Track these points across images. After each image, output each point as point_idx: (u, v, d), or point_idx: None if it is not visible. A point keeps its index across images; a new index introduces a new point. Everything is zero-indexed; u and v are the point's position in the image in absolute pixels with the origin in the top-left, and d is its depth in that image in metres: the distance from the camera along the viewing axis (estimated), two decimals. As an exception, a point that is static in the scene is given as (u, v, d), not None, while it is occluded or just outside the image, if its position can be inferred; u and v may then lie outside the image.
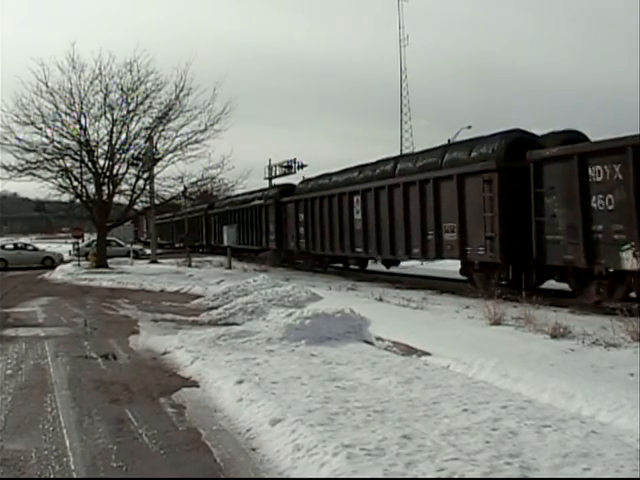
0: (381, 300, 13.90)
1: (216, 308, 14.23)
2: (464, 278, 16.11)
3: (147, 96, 28.86)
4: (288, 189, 27.85)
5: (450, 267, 18.29)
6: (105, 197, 29.84)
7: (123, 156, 29.86)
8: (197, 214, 42.41)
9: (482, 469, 4.39)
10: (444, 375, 7.41)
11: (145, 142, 29.89)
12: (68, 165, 29.58)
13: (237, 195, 36.15)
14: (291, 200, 26.11)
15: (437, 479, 4.32)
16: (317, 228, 23.15)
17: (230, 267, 27.11)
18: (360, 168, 20.99)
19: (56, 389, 7.52)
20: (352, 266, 23.07)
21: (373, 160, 21.04)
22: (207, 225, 40.67)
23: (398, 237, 17.49)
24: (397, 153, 38.95)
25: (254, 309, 13.21)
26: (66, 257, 36.68)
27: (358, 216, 19.93)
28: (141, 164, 30.03)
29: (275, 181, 42.28)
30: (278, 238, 27.33)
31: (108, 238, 33.73)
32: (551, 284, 13.57)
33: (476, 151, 14.78)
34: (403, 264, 21.22)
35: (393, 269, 20.84)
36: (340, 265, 23.94)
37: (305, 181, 26.80)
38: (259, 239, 29.75)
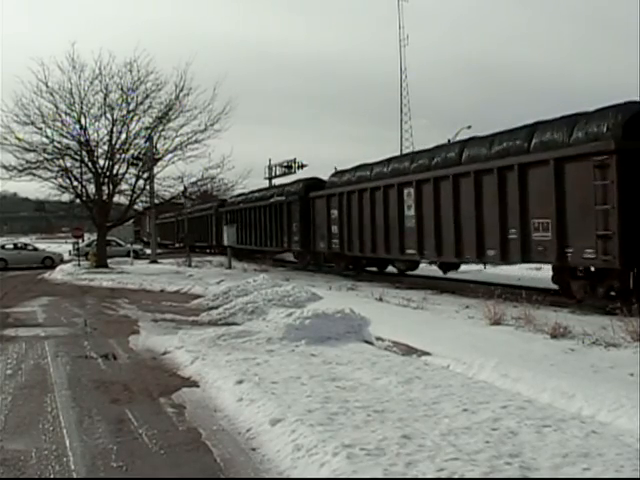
0: (381, 300, 13.89)
1: (216, 308, 14.23)
2: (464, 278, 15.94)
3: (147, 96, 28.88)
4: (315, 183, 24.91)
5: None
6: (105, 197, 29.84)
7: (123, 156, 29.87)
8: (205, 212, 40.07)
9: (482, 469, 4.39)
10: (444, 375, 7.41)
11: (145, 142, 29.89)
12: (68, 165, 29.62)
13: (252, 192, 33.76)
14: (321, 195, 23.06)
15: (437, 479, 4.32)
16: (354, 226, 20.09)
17: (230, 267, 27.09)
18: (412, 156, 18.27)
19: (56, 389, 7.52)
20: (387, 270, 21.04)
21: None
22: (218, 224, 37.39)
23: (467, 237, 14.59)
24: (397, 153, 38.89)
25: (254, 309, 13.21)
26: (66, 257, 36.68)
27: (410, 212, 16.93)
28: (141, 164, 30.03)
29: (275, 181, 42.16)
30: (304, 238, 24.39)
31: (108, 238, 33.73)
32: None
33: (580, 130, 11.93)
34: (464, 267, 18.21)
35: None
36: (374, 269, 21.52)
37: (338, 173, 23.45)
38: (279, 239, 27.01)
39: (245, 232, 31.21)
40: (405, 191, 17.16)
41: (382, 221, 18.43)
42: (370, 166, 20.33)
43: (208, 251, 41.11)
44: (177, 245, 49.82)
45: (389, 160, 19.43)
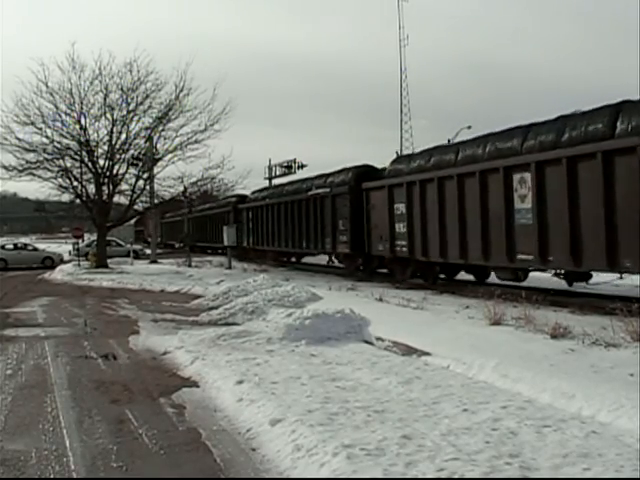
0: (381, 300, 13.89)
1: (216, 308, 14.24)
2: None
3: (147, 96, 28.86)
4: (368, 171, 20.63)
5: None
6: (105, 197, 29.82)
7: (123, 156, 29.85)
8: (221, 210, 36.19)
9: (482, 469, 4.39)
10: (444, 375, 7.41)
11: (145, 142, 29.87)
12: (68, 165, 29.60)
13: (281, 185, 30.00)
14: (379, 186, 18.62)
15: (437, 479, 4.32)
16: (432, 224, 15.91)
17: (230, 267, 27.10)
18: (524, 131, 13.34)
19: (56, 389, 7.52)
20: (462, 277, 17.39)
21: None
22: (236, 223, 32.95)
23: (625, 236, 10.63)
24: (397, 153, 38.84)
25: (254, 309, 13.22)
26: (66, 257, 36.68)
27: (524, 204, 12.78)
28: (141, 164, 30.01)
29: (275, 181, 41.94)
30: (354, 239, 20.05)
31: (108, 238, 33.72)
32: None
33: None
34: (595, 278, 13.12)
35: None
36: (442, 275, 17.65)
37: (402, 158, 19.46)
38: (319, 240, 22.56)
39: (272, 232, 27.37)
40: (516, 177, 12.96)
41: (476, 217, 14.04)
42: (453, 148, 16.18)
43: (220, 252, 37.69)
44: (177, 245, 48.98)
45: (484, 138, 14.75)
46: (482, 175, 13.97)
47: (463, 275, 17.17)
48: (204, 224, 39.48)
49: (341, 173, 21.94)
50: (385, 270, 19.58)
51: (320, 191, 22.52)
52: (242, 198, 34.07)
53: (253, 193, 33.51)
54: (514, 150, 13.35)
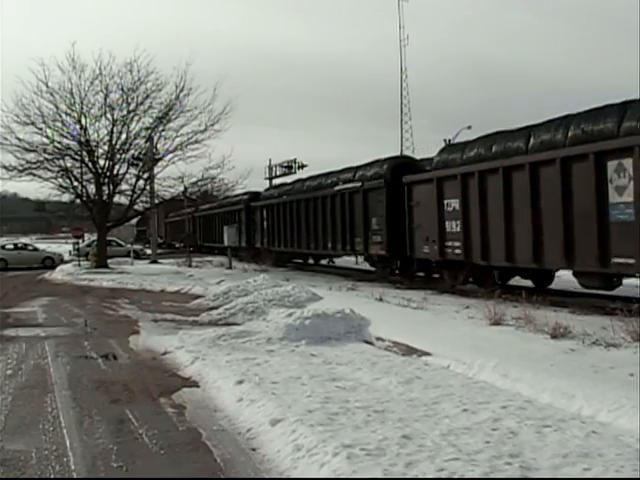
0: (381, 300, 13.89)
1: (216, 308, 14.24)
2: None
3: (147, 96, 28.89)
4: (406, 163, 18.81)
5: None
6: (105, 197, 29.85)
7: (123, 156, 29.88)
8: (232, 208, 33.89)
9: (482, 469, 4.39)
10: (444, 375, 7.41)
11: (145, 142, 29.89)
12: (68, 165, 29.64)
13: (300, 180, 27.25)
14: (425, 179, 16.25)
15: (437, 479, 4.32)
16: (493, 222, 13.55)
17: (230, 267, 27.10)
18: (622, 107, 11.23)
19: (56, 389, 7.52)
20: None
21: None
22: (248, 222, 31.10)
23: None
24: (397, 153, 38.82)
25: (254, 309, 13.23)
26: (66, 257, 36.68)
27: (623, 197, 10.64)
28: (141, 164, 30.04)
29: (276, 181, 41.78)
30: (391, 239, 17.67)
31: (108, 238, 33.73)
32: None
33: None
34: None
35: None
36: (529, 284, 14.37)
37: (451, 148, 16.64)
38: (348, 240, 20.23)
39: (290, 231, 25.15)
40: (611, 165, 10.85)
41: (555, 214, 11.95)
42: (522, 132, 13.42)
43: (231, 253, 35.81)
44: (177, 245, 48.36)
45: (564, 120, 12.38)
46: (564, 163, 11.75)
47: (518, 281, 14.64)
48: (212, 223, 37.81)
49: (373, 166, 19.50)
50: (421, 274, 17.61)
51: (349, 186, 20.10)
52: (255, 195, 31.76)
53: (267, 190, 31.52)
54: (608, 133, 11.16)
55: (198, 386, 7.58)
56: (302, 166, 41.60)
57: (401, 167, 18.22)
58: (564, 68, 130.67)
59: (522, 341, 8.77)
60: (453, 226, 15.10)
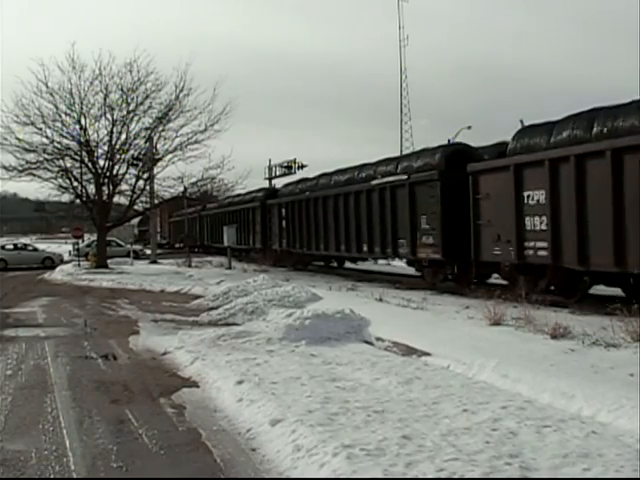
0: (381, 300, 13.89)
1: (216, 308, 14.24)
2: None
3: (147, 96, 28.88)
4: (464, 150, 15.93)
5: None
6: (105, 197, 29.86)
7: (123, 156, 29.89)
8: (246, 206, 31.49)
9: (482, 469, 4.39)
10: (444, 375, 7.41)
11: (145, 142, 29.89)
12: (68, 165, 29.65)
13: (325, 175, 23.79)
14: (499, 167, 13.56)
15: (437, 479, 4.32)
16: (598, 218, 11.07)
17: (230, 267, 27.10)
18: None
19: (56, 389, 7.52)
20: None
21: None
22: (264, 222, 28.63)
23: None
24: (397, 153, 38.83)
25: (254, 309, 13.23)
26: (66, 257, 36.71)
27: None
28: (141, 164, 30.05)
29: (276, 181, 41.67)
30: (447, 240, 15.21)
31: (108, 238, 33.75)
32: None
33: None
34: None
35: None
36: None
37: (535, 128, 13.22)
38: (388, 242, 17.68)
39: (315, 231, 22.62)
40: None
41: None
42: (632, 106, 10.90)
43: (244, 254, 32.40)
44: (177, 245, 47.95)
45: None
46: None
47: (600, 289, 12.72)
48: (221, 223, 34.95)
49: (422, 155, 16.99)
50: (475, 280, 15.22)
51: (391, 179, 17.41)
52: (272, 192, 29.76)
53: (286, 186, 28.69)
54: None
55: (198, 386, 7.58)
56: (302, 166, 41.58)
57: (458, 156, 15.49)
58: (564, 69, 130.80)
59: (522, 341, 8.77)
60: (536, 223, 12.54)
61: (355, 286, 17.71)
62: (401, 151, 50.86)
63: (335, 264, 25.08)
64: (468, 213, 14.36)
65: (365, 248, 19.05)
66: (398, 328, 10.30)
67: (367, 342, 9.89)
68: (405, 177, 16.71)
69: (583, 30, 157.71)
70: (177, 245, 47.83)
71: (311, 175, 26.94)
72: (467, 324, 10.50)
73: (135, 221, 52.58)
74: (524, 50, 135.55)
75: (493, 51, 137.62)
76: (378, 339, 9.89)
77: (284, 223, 26.06)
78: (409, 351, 8.97)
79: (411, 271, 18.87)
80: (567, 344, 8.33)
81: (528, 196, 12.71)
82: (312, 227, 22.91)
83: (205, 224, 41.42)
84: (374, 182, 18.33)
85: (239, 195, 34.97)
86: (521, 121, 14.16)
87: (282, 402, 6.24)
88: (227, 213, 35.05)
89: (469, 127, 37.22)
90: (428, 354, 8.60)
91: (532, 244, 12.64)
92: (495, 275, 14.99)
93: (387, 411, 5.88)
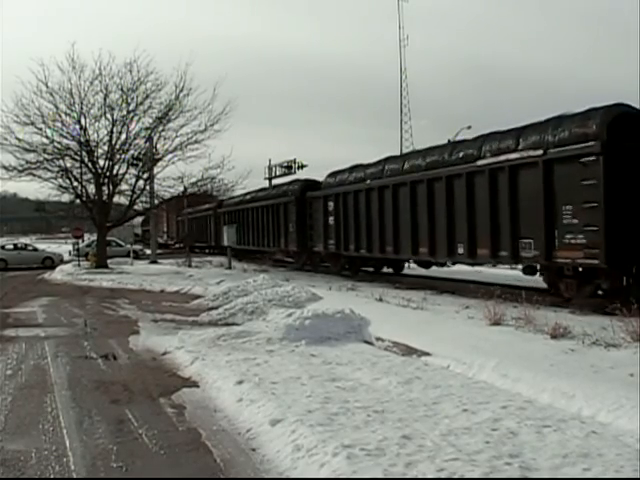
0: (381, 300, 13.89)
1: (216, 308, 14.24)
2: (464, 278, 14.59)
3: (147, 96, 28.86)
4: (630, 113, 11.60)
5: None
6: (105, 197, 29.85)
7: (123, 156, 29.87)
8: (272, 202, 27.72)
9: (482, 469, 4.39)
10: (444, 375, 7.41)
11: (145, 142, 29.88)
12: (68, 165, 29.61)
13: (392, 157, 19.72)
14: None
15: (437, 479, 4.32)
16: None
17: (230, 267, 27.10)
18: None
19: (56, 389, 7.52)
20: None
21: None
22: (302, 219, 24.42)
23: None
24: (397, 153, 38.68)
25: (254, 309, 13.23)
26: (66, 257, 36.68)
27: None
28: (141, 164, 30.03)
29: (276, 181, 41.45)
30: (614, 237, 10.96)
31: (108, 238, 33.74)
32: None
33: None
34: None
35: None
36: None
37: None
38: (502, 243, 13.40)
39: (379, 229, 18.45)
40: None
41: None
42: None
43: (264, 256, 29.44)
44: (177, 245, 47.60)
45: None
46: None
47: None
48: (243, 221, 31.26)
49: (564, 123, 12.17)
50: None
51: (512, 157, 13.13)
52: (311, 184, 25.11)
53: (332, 175, 23.03)
54: None
55: (198, 386, 7.57)
56: (302, 166, 41.43)
57: (622, 120, 11.34)
58: (564, 70, 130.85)
59: (522, 341, 8.77)
60: None
61: (355, 286, 17.70)
62: (401, 151, 50.75)
63: (391, 270, 21.38)
64: None
65: (461, 250, 14.82)
66: (398, 328, 10.30)
67: (367, 342, 9.88)
68: (539, 153, 12.35)
69: (584, 30, 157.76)
70: (177, 245, 47.34)
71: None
72: (467, 324, 10.50)
73: (138, 221, 52.34)
74: (524, 50, 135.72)
75: (492, 51, 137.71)
76: (378, 339, 9.89)
77: (331, 220, 21.81)
78: (409, 351, 8.97)
79: (526, 281, 14.55)
80: (567, 344, 8.34)
81: None
82: (375, 224, 18.66)
83: (222, 223, 36.15)
84: (481, 162, 14.05)
85: (264, 189, 31.86)
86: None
87: (282, 402, 6.24)
88: (250, 210, 30.57)
89: (469, 127, 37.20)
90: (428, 354, 8.60)
91: None
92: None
93: (387, 411, 5.88)
